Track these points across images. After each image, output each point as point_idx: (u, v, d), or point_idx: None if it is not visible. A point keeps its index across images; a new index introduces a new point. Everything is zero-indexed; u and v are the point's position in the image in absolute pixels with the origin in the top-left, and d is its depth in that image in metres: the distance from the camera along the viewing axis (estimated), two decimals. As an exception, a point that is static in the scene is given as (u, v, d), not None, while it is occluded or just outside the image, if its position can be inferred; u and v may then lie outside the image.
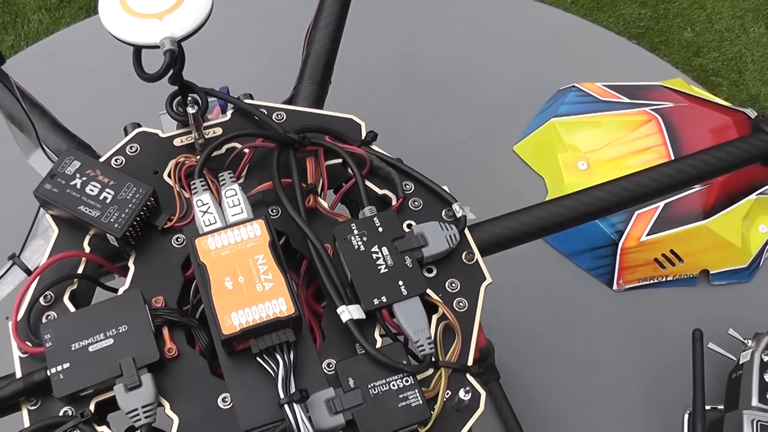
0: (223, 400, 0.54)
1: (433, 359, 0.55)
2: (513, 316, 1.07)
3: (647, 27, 2.29)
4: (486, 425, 1.01)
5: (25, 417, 0.54)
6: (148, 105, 0.70)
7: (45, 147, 0.67)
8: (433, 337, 0.56)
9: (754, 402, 0.91)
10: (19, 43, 1.42)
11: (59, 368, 0.53)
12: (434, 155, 1.17)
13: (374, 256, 0.57)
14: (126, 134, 0.65)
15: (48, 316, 0.57)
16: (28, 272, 0.59)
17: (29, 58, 1.28)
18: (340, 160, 0.64)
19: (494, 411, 1.01)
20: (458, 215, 0.61)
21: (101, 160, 0.63)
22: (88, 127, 0.75)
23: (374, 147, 0.64)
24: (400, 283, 0.56)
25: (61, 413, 0.54)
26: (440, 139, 1.20)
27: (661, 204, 1.08)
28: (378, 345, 0.56)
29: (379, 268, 0.57)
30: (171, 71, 0.57)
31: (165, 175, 0.63)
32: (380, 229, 0.58)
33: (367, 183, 0.63)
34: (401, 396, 0.53)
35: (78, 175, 0.59)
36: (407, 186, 0.63)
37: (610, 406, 1.03)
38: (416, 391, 0.53)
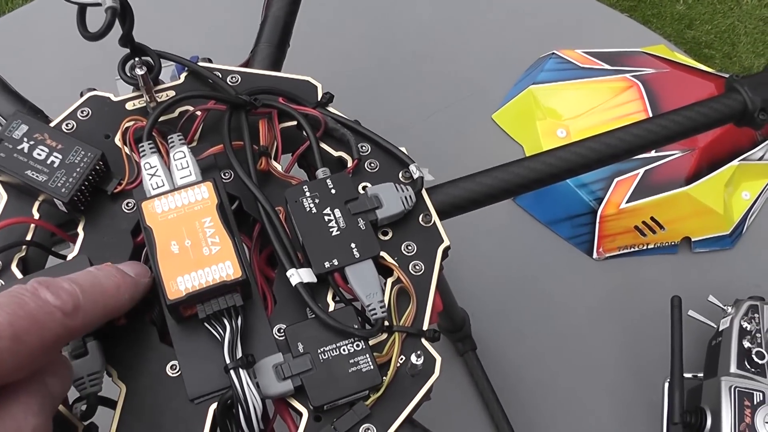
0: (172, 368, 0.53)
1: (386, 323, 0.53)
2: (491, 286, 1.06)
3: None
4: (463, 397, 1.00)
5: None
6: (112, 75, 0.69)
7: (-6, 112, 0.65)
8: (386, 301, 0.54)
9: (733, 368, 0.90)
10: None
11: (3, 336, 0.51)
12: (411, 124, 1.15)
13: (326, 218, 0.55)
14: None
15: (-6, 284, 0.56)
16: (-25, 240, 0.57)
17: None
18: (295, 123, 0.62)
19: (471, 382, 1.00)
20: (415, 176, 0.59)
21: (52, 124, 0.61)
22: (49, 97, 0.73)
23: (330, 109, 0.63)
24: (353, 245, 0.55)
25: (5, 382, 0.52)
26: (417, 108, 1.18)
27: (641, 170, 1.06)
28: (331, 310, 0.55)
29: (331, 230, 0.55)
30: (112, 29, 0.55)
31: (116, 140, 0.61)
32: (333, 191, 0.56)
33: (323, 145, 0.61)
34: (352, 361, 0.52)
35: (25, 140, 0.58)
36: (363, 148, 0.61)
37: (590, 376, 1.02)
38: (367, 356, 0.52)
